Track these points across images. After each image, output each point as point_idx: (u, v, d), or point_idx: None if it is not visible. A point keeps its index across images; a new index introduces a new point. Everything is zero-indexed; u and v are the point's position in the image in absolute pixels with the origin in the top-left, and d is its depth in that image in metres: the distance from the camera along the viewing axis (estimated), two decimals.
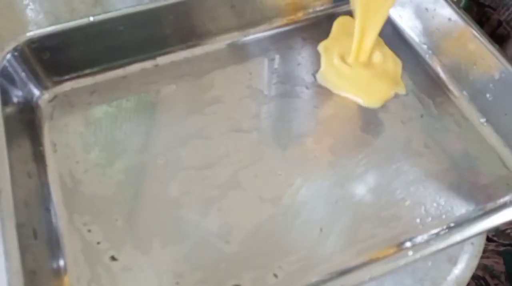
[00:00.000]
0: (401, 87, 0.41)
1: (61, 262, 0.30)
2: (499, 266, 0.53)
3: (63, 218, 0.32)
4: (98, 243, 0.31)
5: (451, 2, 0.38)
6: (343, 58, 0.43)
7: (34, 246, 0.29)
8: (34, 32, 0.36)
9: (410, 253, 0.28)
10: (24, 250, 0.27)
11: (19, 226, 0.28)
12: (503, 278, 0.54)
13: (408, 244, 0.31)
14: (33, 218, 0.30)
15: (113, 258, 0.30)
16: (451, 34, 0.39)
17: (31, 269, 0.27)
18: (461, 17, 0.38)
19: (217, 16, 0.41)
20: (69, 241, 0.31)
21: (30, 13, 0.44)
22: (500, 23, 0.42)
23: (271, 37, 0.43)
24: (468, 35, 0.37)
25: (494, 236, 0.52)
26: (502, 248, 0.53)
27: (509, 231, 0.50)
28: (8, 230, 0.27)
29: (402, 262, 0.28)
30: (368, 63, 0.43)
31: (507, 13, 0.41)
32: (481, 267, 0.55)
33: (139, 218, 0.32)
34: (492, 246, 0.53)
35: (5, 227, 0.27)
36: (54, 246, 0.30)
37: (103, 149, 0.35)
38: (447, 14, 0.39)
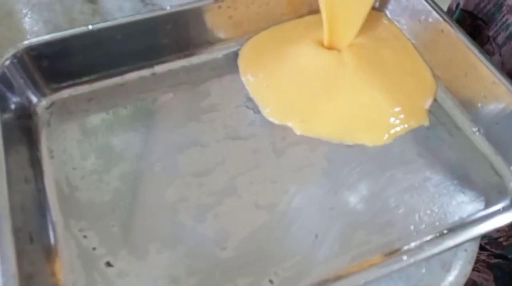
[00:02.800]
0: (424, 119, 0.37)
1: (57, 267, 0.30)
2: (489, 283, 0.53)
3: (59, 224, 0.32)
4: (94, 248, 0.31)
5: (443, 15, 0.39)
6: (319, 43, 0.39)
7: (30, 251, 0.29)
8: (33, 40, 0.36)
9: (404, 258, 0.28)
10: (20, 254, 0.27)
11: (15, 231, 0.28)
12: None
13: (402, 250, 0.31)
14: (30, 223, 0.30)
15: (108, 264, 0.30)
16: (443, 46, 0.39)
17: (27, 274, 0.27)
18: (453, 28, 0.38)
19: (214, 26, 0.41)
20: (65, 247, 0.31)
21: (29, 22, 0.44)
22: (488, 39, 0.43)
23: None
24: (460, 46, 0.38)
25: (487, 244, 0.52)
26: (493, 260, 0.53)
27: (501, 239, 0.50)
28: (4, 234, 0.27)
29: (396, 266, 0.28)
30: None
31: (495, 29, 0.42)
32: (470, 284, 0.55)
33: (135, 224, 0.32)
34: (483, 256, 0.53)
35: (1, 231, 0.28)
36: (50, 251, 0.30)
37: (100, 155, 0.35)
38: (439, 26, 0.39)
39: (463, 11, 0.45)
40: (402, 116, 0.38)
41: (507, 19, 0.40)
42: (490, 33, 0.42)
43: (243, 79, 0.40)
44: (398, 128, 0.37)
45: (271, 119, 0.38)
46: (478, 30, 0.43)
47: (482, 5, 0.42)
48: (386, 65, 0.40)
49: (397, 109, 0.38)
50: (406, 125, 0.38)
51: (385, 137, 0.37)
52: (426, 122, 0.38)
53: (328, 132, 0.37)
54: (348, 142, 0.37)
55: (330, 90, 0.39)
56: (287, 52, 0.41)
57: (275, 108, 0.39)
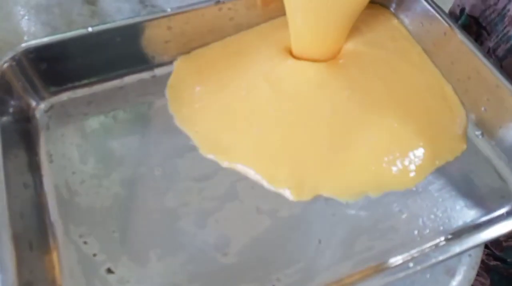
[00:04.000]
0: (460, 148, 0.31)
1: (57, 275, 0.29)
2: None
3: (59, 230, 0.31)
4: (95, 255, 0.30)
5: (446, 17, 0.39)
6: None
7: (30, 258, 0.28)
8: (31, 42, 0.36)
9: (411, 264, 0.28)
10: (19, 261, 0.27)
11: (15, 237, 0.28)
12: None
13: (406, 255, 0.31)
14: (29, 229, 0.30)
15: (109, 271, 0.30)
16: (446, 48, 0.39)
17: (27, 281, 0.27)
18: (456, 31, 0.38)
19: (215, 28, 0.41)
20: (65, 253, 0.30)
21: (27, 24, 0.44)
22: (488, 50, 0.42)
23: None
24: (463, 50, 0.37)
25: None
26: (492, 262, 0.53)
27: (502, 238, 0.49)
28: (3, 241, 0.27)
29: (402, 274, 0.28)
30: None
31: (495, 41, 0.41)
32: None
33: (135, 230, 0.32)
34: (483, 255, 0.52)
35: (1, 239, 0.27)
36: (50, 258, 0.30)
37: (99, 159, 0.35)
38: (442, 29, 0.39)
39: (469, 16, 0.44)
40: (432, 150, 0.33)
41: (508, 31, 0.40)
42: (491, 45, 0.41)
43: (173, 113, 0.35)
44: (430, 166, 0.33)
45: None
46: (481, 40, 0.43)
47: (487, 12, 0.41)
48: (402, 82, 0.34)
49: (425, 143, 0.33)
50: (439, 161, 0.33)
51: (412, 175, 0.32)
52: (458, 153, 0.34)
53: (342, 194, 0.31)
54: (373, 195, 0.33)
55: (325, 129, 0.32)
56: (242, 71, 0.35)
57: (241, 157, 0.32)
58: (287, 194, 0.33)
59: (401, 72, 0.35)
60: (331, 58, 0.37)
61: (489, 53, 0.42)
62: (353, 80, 0.34)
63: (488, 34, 0.41)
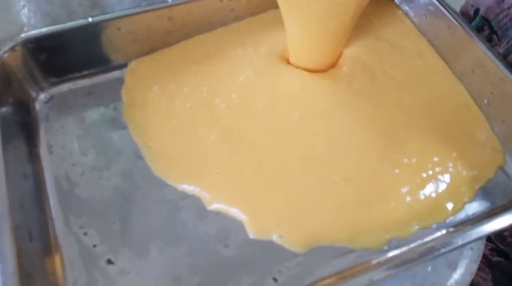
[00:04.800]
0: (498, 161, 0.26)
1: (57, 266, 0.29)
2: (486, 283, 0.53)
3: (59, 221, 0.31)
4: (95, 246, 0.30)
5: (450, 10, 0.39)
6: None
7: (29, 249, 0.28)
8: (31, 33, 0.35)
9: (412, 257, 0.28)
10: (19, 252, 0.27)
11: (15, 228, 0.27)
12: None
13: (407, 248, 0.31)
14: (29, 220, 0.29)
15: (109, 262, 0.30)
16: (450, 41, 0.39)
17: (27, 272, 0.26)
18: (460, 24, 0.38)
19: (216, 19, 0.40)
20: (65, 244, 0.30)
21: (26, 14, 0.44)
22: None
23: None
24: (467, 42, 0.37)
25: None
26: (495, 258, 0.52)
27: (506, 233, 0.49)
28: (3, 232, 0.27)
29: (403, 266, 0.28)
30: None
31: (506, 46, 0.40)
32: None
33: (136, 221, 0.32)
34: (486, 250, 0.52)
35: (0, 229, 0.27)
36: (50, 249, 0.30)
37: (99, 151, 0.35)
38: (446, 21, 0.39)
39: (483, 18, 0.43)
40: (473, 174, 0.29)
41: None
42: (501, 51, 0.40)
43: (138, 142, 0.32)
44: (472, 192, 0.29)
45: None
46: (491, 44, 0.41)
47: (501, 16, 0.39)
48: (424, 94, 0.27)
49: (467, 171, 0.28)
50: (480, 183, 0.29)
51: (452, 208, 0.28)
52: (497, 168, 0.30)
53: (360, 245, 0.25)
54: (403, 238, 0.30)
55: (329, 160, 0.24)
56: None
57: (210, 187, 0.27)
58: (278, 241, 0.28)
59: (422, 80, 0.30)
60: (331, 66, 0.34)
61: None
62: (368, 94, 0.28)
63: (499, 40, 0.41)
